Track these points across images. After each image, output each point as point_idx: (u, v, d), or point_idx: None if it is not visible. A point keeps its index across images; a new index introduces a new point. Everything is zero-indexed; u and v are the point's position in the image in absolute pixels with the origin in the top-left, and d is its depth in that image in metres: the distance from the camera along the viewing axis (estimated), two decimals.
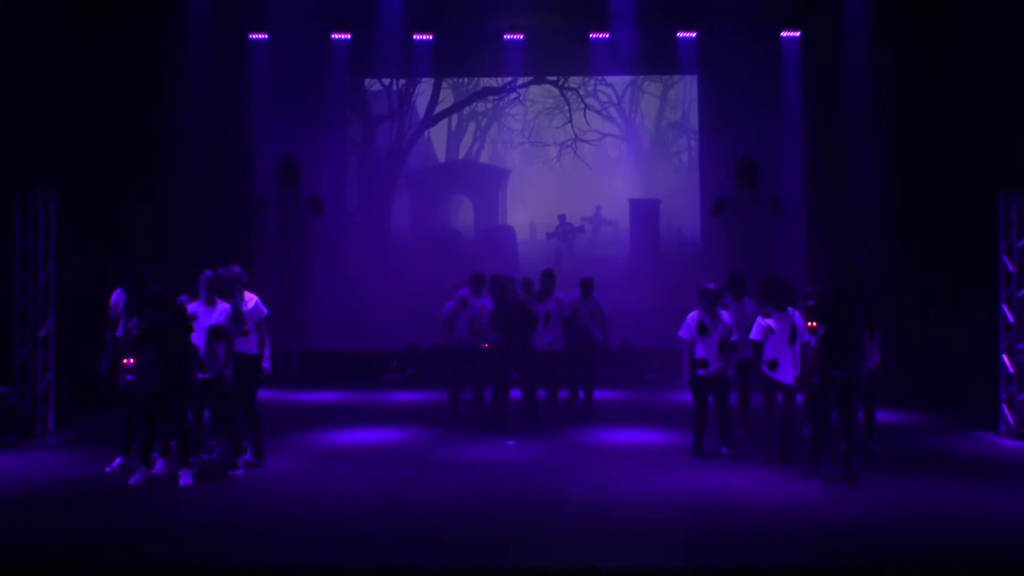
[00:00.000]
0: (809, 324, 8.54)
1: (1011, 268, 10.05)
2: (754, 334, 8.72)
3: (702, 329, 8.96)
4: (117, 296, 8.79)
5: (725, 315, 9.09)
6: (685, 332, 9.04)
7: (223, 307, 8.16)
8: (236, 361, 8.20)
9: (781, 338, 8.60)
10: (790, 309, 8.68)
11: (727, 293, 9.72)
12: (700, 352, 8.96)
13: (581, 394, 11.54)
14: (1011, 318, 10.05)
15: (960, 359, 11.87)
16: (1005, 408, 10.06)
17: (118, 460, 8.42)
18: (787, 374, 8.61)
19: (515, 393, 10.88)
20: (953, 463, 8.88)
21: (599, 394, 12.08)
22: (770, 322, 8.62)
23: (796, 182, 14.55)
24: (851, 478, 7.93)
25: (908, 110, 12.81)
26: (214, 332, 8.04)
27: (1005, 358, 10.11)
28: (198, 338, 8.02)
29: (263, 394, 9.05)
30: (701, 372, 8.95)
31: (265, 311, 8.67)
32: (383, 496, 7.64)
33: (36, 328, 9.97)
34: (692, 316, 9.05)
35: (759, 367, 8.74)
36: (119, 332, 8.60)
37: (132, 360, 8.20)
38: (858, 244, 13.26)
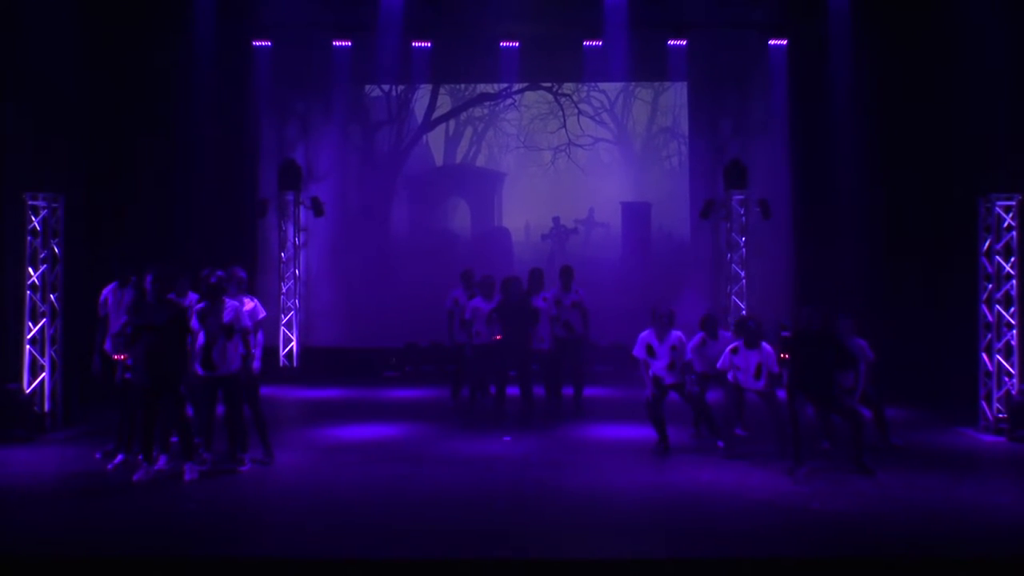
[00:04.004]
0: (782, 355, 8.80)
1: (990, 269, 10.29)
2: (720, 364, 9.04)
3: (650, 352, 9.20)
4: (107, 293, 9.00)
5: (672, 338, 9.20)
6: (637, 351, 9.28)
7: (231, 306, 8.32)
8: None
9: (746, 374, 8.92)
10: (763, 344, 8.92)
11: (702, 331, 9.69)
12: (653, 370, 9.21)
13: (572, 391, 11.50)
14: (990, 318, 10.29)
15: (942, 357, 12.14)
16: (984, 404, 10.29)
17: (120, 457, 8.57)
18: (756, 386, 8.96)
19: (513, 390, 11.01)
20: (935, 457, 9.09)
21: (592, 391, 12.23)
22: (736, 359, 8.94)
23: (783, 185, 14.74)
24: (865, 471, 8.17)
25: (891, 115, 13.05)
26: (224, 330, 8.19)
27: (984, 356, 10.33)
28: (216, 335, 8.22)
29: (266, 391, 9.24)
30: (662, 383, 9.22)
31: (263, 314, 8.87)
32: (382, 490, 7.81)
33: (45, 327, 10.21)
34: (642, 336, 9.26)
35: (724, 379, 9.07)
36: (113, 329, 8.80)
37: (126, 357, 8.40)
38: (843, 245, 13.57)
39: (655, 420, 9.23)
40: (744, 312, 13.39)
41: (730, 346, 9.08)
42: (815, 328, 8.29)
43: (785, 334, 8.99)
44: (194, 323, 8.24)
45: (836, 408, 8.44)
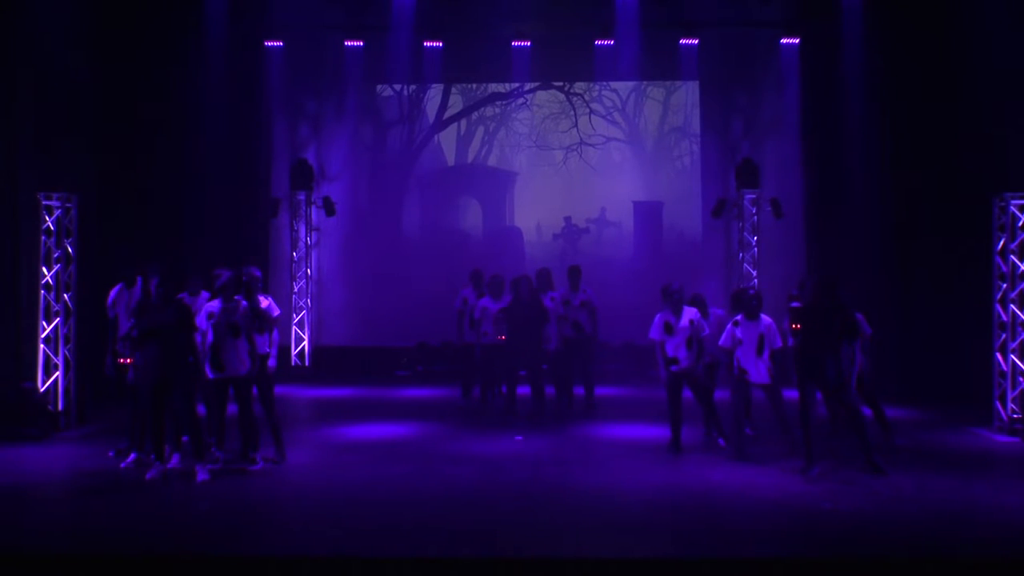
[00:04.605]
0: (793, 326, 8.77)
1: (1004, 269, 10.23)
2: (723, 341, 8.98)
3: (668, 329, 9.15)
4: (114, 295, 9.05)
5: (690, 312, 9.19)
6: (654, 333, 9.22)
7: (242, 305, 8.32)
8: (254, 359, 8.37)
9: (749, 347, 8.85)
10: (763, 316, 8.88)
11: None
12: (670, 351, 9.15)
13: (582, 391, 11.50)
14: (1004, 317, 10.23)
15: (956, 356, 12.09)
16: (998, 405, 10.23)
17: (132, 456, 8.61)
18: (761, 376, 8.88)
19: (524, 390, 11.03)
20: (948, 458, 9.03)
21: (604, 390, 12.25)
22: (738, 332, 8.89)
23: (795, 184, 14.72)
24: (877, 471, 8.12)
25: (904, 114, 12.98)
26: (231, 329, 8.21)
27: (998, 356, 10.28)
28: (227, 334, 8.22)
29: (278, 390, 9.26)
30: (674, 368, 9.14)
31: (277, 312, 8.91)
32: (393, 489, 7.80)
33: (59, 326, 10.27)
34: (659, 317, 9.22)
35: (729, 367, 8.97)
36: (121, 331, 8.85)
37: (131, 360, 8.44)
38: (855, 244, 13.51)
39: (673, 413, 9.19)
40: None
41: (731, 320, 9.02)
42: (825, 303, 8.23)
43: (795, 304, 8.94)
44: (203, 322, 8.25)
45: (841, 397, 8.33)
